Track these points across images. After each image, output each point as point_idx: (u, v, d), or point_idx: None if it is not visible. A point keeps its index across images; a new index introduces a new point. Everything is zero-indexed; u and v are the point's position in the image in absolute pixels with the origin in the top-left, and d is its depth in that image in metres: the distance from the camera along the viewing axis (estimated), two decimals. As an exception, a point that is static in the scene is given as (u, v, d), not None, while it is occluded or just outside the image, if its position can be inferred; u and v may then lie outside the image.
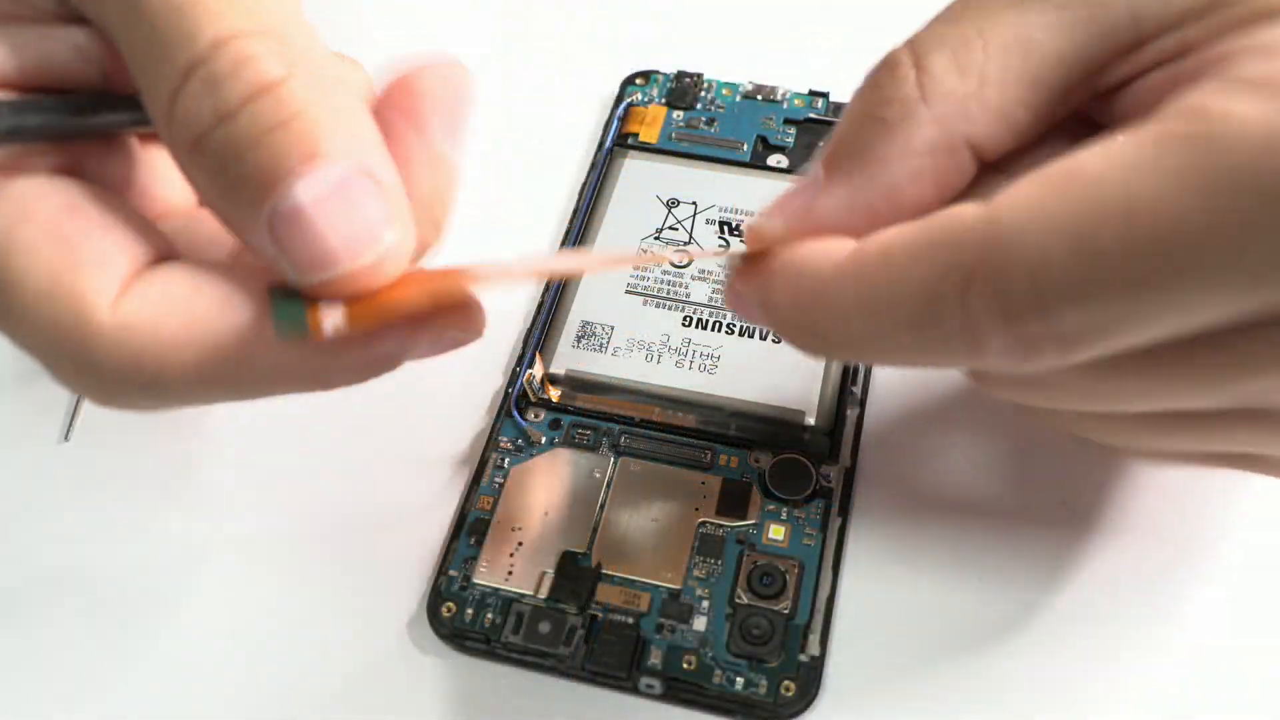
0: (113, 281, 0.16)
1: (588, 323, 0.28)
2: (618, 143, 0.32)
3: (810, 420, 0.26)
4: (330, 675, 0.24)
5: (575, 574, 0.24)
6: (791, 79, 0.33)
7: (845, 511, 0.25)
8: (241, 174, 0.15)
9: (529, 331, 0.28)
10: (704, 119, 0.32)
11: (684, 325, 0.27)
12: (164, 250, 0.17)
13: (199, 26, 0.15)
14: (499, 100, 0.34)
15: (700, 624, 0.23)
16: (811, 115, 0.32)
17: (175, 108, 0.15)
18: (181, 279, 0.17)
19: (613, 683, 0.23)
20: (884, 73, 0.18)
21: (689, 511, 0.25)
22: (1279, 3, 0.15)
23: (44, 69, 0.17)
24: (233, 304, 0.16)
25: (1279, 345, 0.14)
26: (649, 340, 0.27)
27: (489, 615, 0.23)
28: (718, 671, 0.23)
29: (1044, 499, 0.25)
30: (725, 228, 0.29)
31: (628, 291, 0.28)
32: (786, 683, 0.22)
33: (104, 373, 0.16)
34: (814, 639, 0.23)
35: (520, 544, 0.24)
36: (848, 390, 0.26)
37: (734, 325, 0.27)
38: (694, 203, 0.30)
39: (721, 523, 0.25)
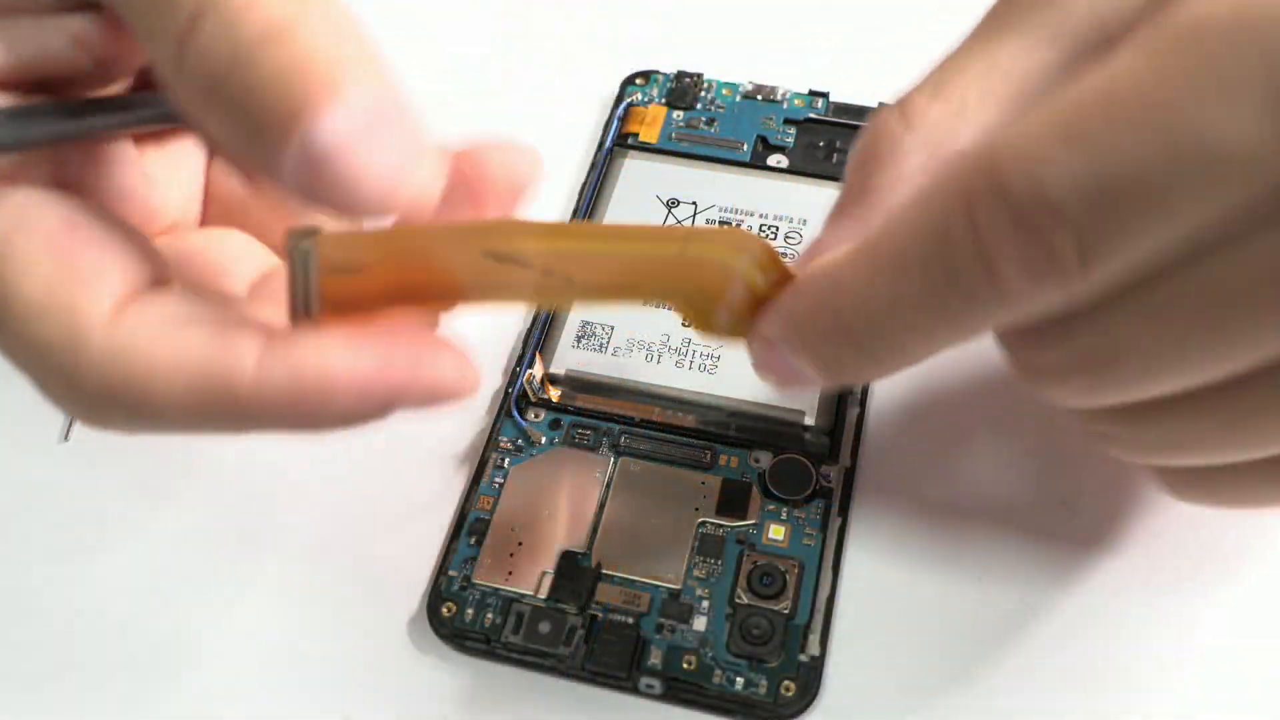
0: (108, 299, 0.16)
1: (588, 323, 0.28)
2: (618, 143, 0.32)
3: (810, 420, 0.26)
4: (330, 675, 0.24)
5: (575, 574, 0.24)
6: (791, 79, 0.33)
7: (845, 511, 0.25)
8: (263, 113, 0.15)
9: (529, 331, 0.28)
10: (704, 119, 0.32)
11: (684, 325, 0.27)
12: (161, 273, 0.17)
13: None
14: (499, 100, 0.34)
15: (700, 624, 0.23)
16: (811, 115, 0.32)
17: (186, 54, 0.15)
18: (178, 306, 0.16)
19: (613, 683, 0.23)
20: (871, 125, 0.19)
21: (689, 511, 0.25)
22: None
23: (39, 63, 0.17)
24: (227, 337, 0.16)
25: None
26: (649, 340, 0.27)
27: (489, 615, 0.23)
28: (718, 671, 0.23)
29: (1044, 499, 0.25)
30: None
31: (628, 291, 0.28)
32: (786, 683, 0.22)
33: (91, 391, 0.16)
34: (814, 639, 0.23)
35: (520, 544, 0.24)
36: (848, 390, 0.26)
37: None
38: (694, 203, 0.30)
39: (721, 523, 0.25)
